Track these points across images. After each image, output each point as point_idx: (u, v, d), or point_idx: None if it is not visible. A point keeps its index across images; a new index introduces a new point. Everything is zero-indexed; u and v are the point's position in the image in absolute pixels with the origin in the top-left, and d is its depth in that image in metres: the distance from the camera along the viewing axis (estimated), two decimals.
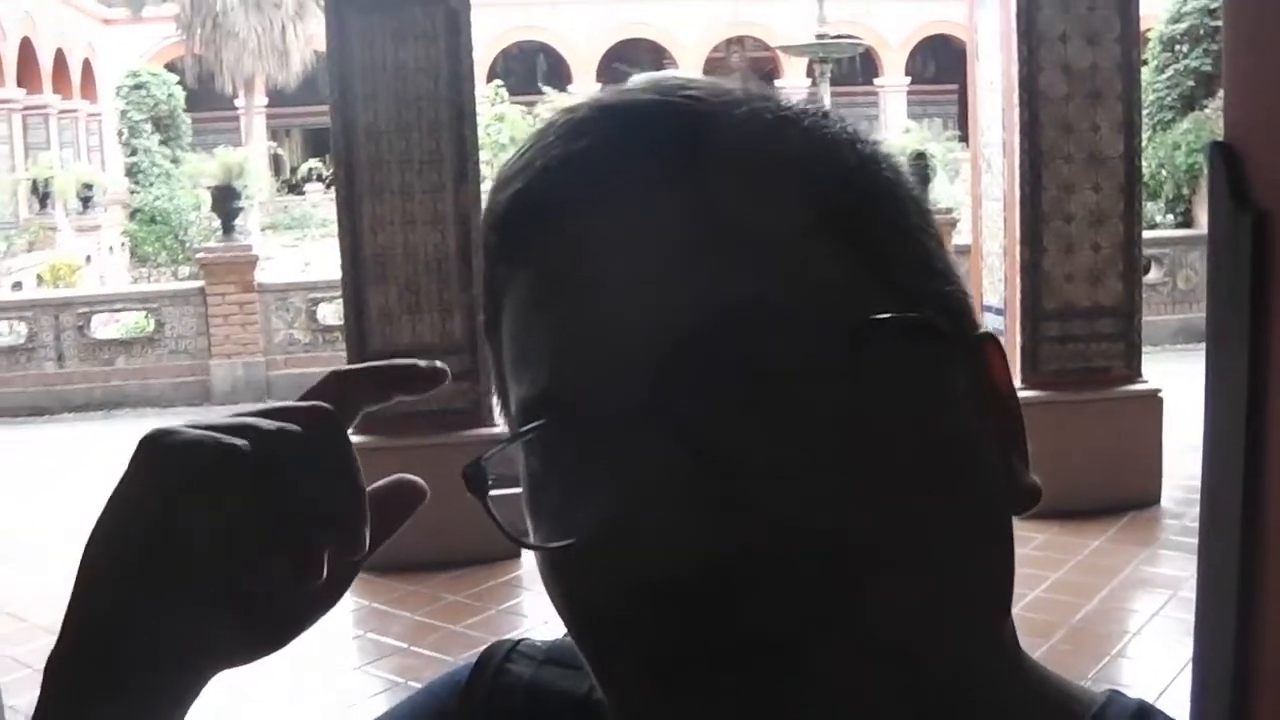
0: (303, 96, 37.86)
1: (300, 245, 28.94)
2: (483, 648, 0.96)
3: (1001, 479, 0.70)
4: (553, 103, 20.95)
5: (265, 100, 39.91)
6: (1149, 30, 20.05)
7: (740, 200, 0.67)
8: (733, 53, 45.41)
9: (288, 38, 35.72)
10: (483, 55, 37.42)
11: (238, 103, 38.78)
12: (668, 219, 0.66)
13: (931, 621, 0.65)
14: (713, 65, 43.64)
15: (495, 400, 0.78)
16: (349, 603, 7.60)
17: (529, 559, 7.98)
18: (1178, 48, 21.27)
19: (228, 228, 15.79)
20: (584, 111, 0.71)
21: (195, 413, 14.74)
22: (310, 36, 35.44)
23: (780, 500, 0.63)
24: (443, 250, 7.95)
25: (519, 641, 0.95)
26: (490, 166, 16.00)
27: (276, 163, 38.83)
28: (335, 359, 13.02)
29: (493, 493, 0.71)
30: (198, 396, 15.31)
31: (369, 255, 7.91)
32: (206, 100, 35.95)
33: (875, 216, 0.70)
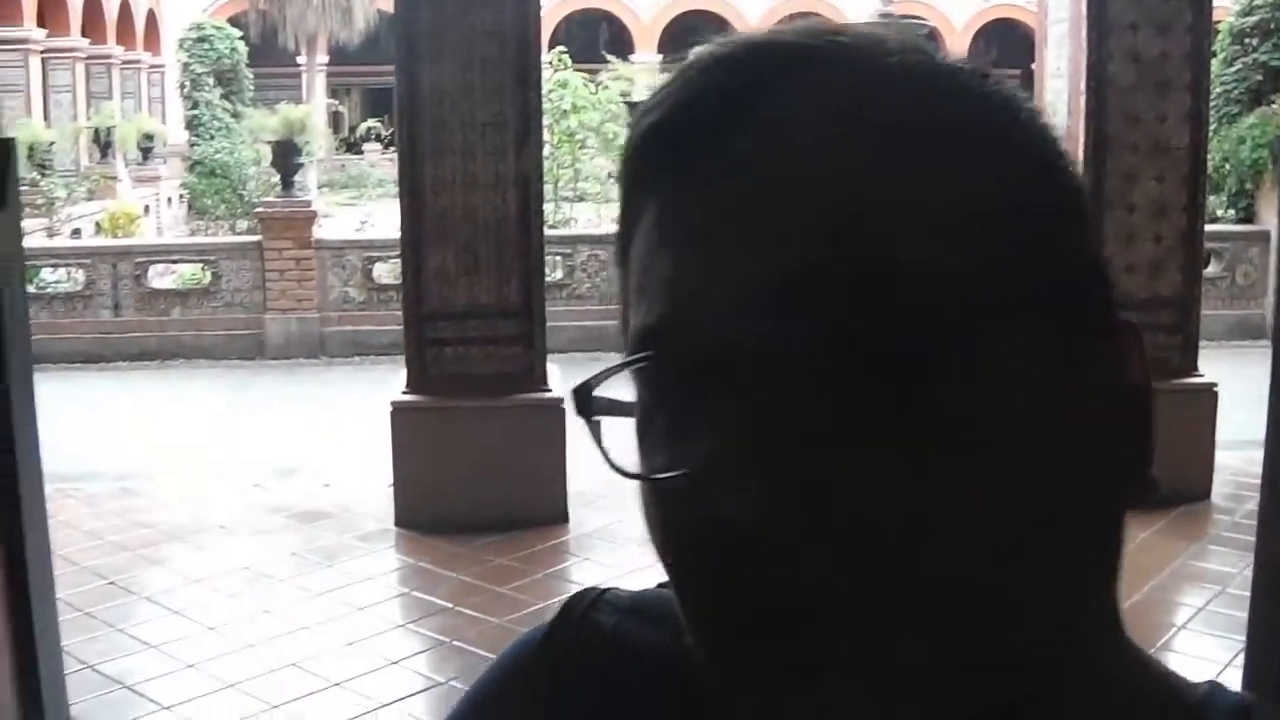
0: (364, 55, 37.96)
1: (357, 204, 29.00)
2: (566, 597, 0.95)
3: (1125, 468, 0.69)
4: (616, 70, 20.90)
5: (327, 58, 40.03)
6: (1219, 22, 19.86)
7: (886, 152, 0.65)
8: None
9: None
10: (546, 21, 37.39)
11: (299, 60, 38.88)
12: (802, 162, 0.64)
13: (1037, 580, 0.64)
14: None
15: (620, 327, 0.76)
16: (394, 560, 7.66)
17: (577, 524, 8.04)
18: (1247, 41, 21.09)
19: (287, 183, 15.87)
20: (729, 48, 0.70)
21: (249, 367, 14.86)
22: None
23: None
24: (503, 213, 7.95)
25: (605, 590, 0.94)
26: (550, 131, 16.02)
27: (335, 121, 38.97)
28: (390, 318, 13.09)
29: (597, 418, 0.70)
30: (252, 350, 15.42)
31: (429, 215, 7.93)
32: (269, 56, 36.06)
33: (1034, 193, 0.68)
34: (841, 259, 0.62)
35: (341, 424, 11.50)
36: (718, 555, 0.64)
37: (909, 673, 0.63)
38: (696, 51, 0.72)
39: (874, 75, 0.67)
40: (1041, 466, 0.64)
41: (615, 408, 0.70)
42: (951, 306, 0.62)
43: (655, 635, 0.87)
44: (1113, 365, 0.68)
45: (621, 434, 0.70)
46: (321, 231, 16.52)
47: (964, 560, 0.62)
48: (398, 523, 8.01)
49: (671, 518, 0.67)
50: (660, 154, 0.69)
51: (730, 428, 0.62)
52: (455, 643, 6.36)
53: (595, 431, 0.69)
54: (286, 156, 15.85)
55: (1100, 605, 0.71)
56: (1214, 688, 0.75)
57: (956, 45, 43.63)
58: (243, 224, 17.83)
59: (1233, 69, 20.93)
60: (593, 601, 0.93)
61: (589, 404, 0.70)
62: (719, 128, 0.67)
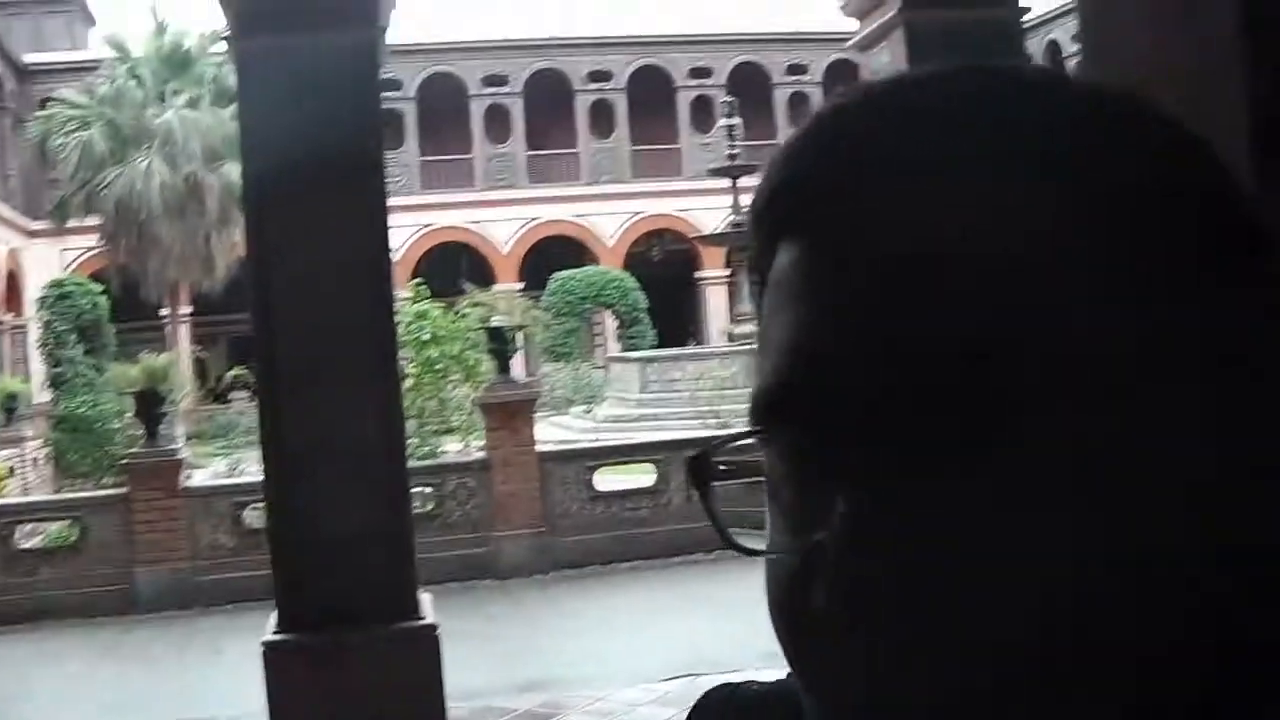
0: (228, 304, 37.97)
1: (226, 454, 28.76)
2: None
3: None
4: (476, 297, 21.08)
5: (190, 308, 40.00)
6: None
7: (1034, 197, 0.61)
8: (652, 246, 46.01)
9: (211, 245, 35.84)
10: (408, 256, 37.72)
11: (163, 311, 38.79)
12: (939, 213, 0.61)
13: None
14: (632, 259, 44.21)
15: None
16: None
17: None
18: None
19: (152, 433, 15.74)
20: (852, 97, 0.67)
21: (121, 623, 14.56)
22: (234, 243, 35.53)
23: None
24: (366, 444, 7.96)
25: (736, 686, 0.87)
26: (412, 362, 16.11)
27: (202, 368, 38.76)
28: (263, 562, 12.90)
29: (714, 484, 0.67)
30: (123, 605, 15.12)
31: (291, 450, 7.92)
32: (131, 309, 35.96)
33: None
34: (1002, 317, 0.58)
35: (219, 673, 11.29)
36: (823, 634, 0.60)
37: None
38: (824, 105, 0.69)
39: (1008, 119, 0.64)
40: None
41: (739, 472, 0.68)
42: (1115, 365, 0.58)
43: None
44: None
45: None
46: (190, 480, 16.39)
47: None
48: None
49: (791, 602, 0.63)
50: (787, 203, 0.67)
51: (839, 513, 0.59)
52: None
53: (708, 502, 0.67)
54: (150, 406, 15.76)
55: None
56: None
57: None
58: (109, 478, 17.64)
59: None
60: (724, 698, 0.87)
61: (707, 474, 0.67)
62: (836, 186, 0.64)
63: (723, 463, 0.68)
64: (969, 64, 0.67)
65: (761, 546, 0.64)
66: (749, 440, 0.65)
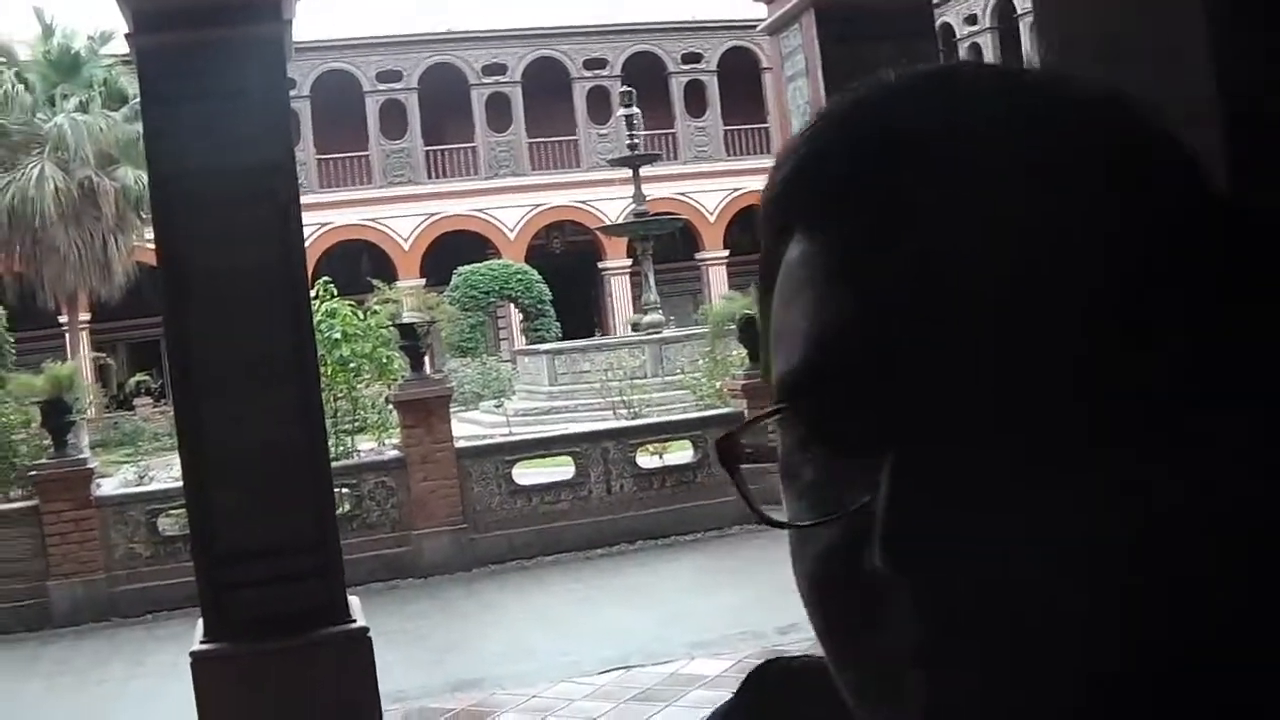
0: (128, 309, 37.53)
1: (133, 460, 28.43)
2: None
3: None
4: (384, 294, 20.94)
5: (89, 315, 39.50)
6: None
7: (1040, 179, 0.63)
8: (553, 238, 46.13)
9: (109, 250, 35.37)
10: (309, 255, 37.25)
11: (61, 319, 38.28)
12: (958, 191, 0.63)
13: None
14: (535, 251, 44.30)
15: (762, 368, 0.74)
16: None
17: None
18: None
19: (60, 443, 15.47)
20: (864, 92, 0.69)
21: (36, 638, 14.32)
22: (132, 248, 35.20)
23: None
24: (286, 447, 7.86)
25: (775, 661, 0.90)
26: (324, 362, 15.93)
27: (104, 374, 38.31)
28: (180, 569, 12.76)
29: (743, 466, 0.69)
30: (37, 620, 14.86)
31: (210, 457, 7.80)
32: (29, 317, 35.41)
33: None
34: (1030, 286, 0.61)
35: (141, 685, 11.13)
36: (851, 606, 0.63)
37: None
38: (840, 98, 0.71)
39: (1016, 104, 0.66)
40: None
41: (761, 455, 0.69)
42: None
43: (816, 711, 0.82)
44: None
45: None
46: (100, 489, 16.14)
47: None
48: None
49: (806, 566, 0.66)
50: (801, 194, 0.69)
51: (892, 479, 0.61)
52: None
53: (740, 481, 0.69)
54: (57, 416, 15.47)
55: None
56: None
57: (711, 235, 44.96)
58: (17, 491, 17.32)
59: None
60: (764, 677, 0.89)
61: (736, 455, 0.69)
62: (855, 175, 0.66)
63: (748, 446, 0.70)
64: (977, 62, 0.71)
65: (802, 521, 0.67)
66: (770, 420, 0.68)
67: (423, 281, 39.34)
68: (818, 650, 0.70)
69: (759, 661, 0.91)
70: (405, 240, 44.29)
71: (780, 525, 0.67)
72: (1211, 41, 1.80)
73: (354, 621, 7.94)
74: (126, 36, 8.14)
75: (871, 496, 0.61)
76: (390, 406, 17.73)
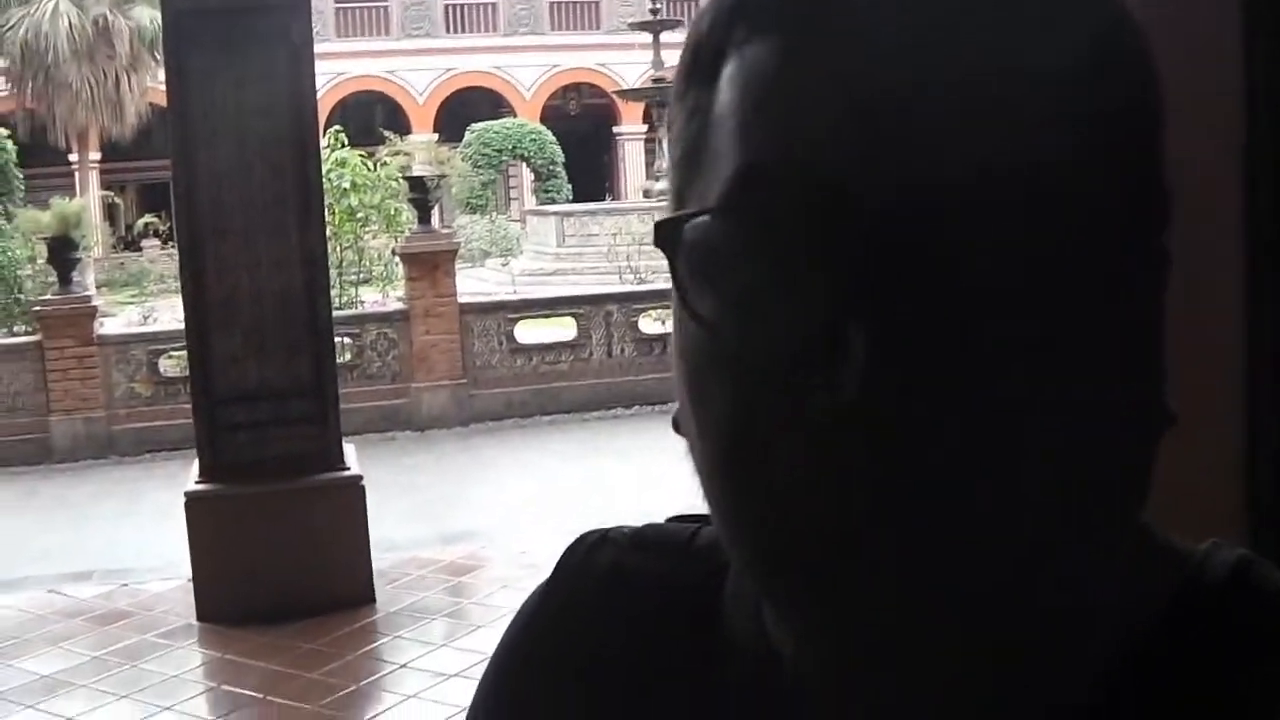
0: (138, 150, 37.34)
1: (139, 301, 28.47)
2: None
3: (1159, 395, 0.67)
4: (395, 146, 20.87)
5: (99, 155, 39.32)
6: None
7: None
8: (569, 99, 45.73)
9: (122, 89, 35.20)
10: (321, 105, 37.03)
11: (72, 158, 38.14)
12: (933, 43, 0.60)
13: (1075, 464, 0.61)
14: (550, 112, 43.92)
15: (668, 169, 0.73)
16: (199, 655, 7.49)
17: (384, 602, 7.92)
18: None
19: (65, 280, 15.46)
20: None
21: (37, 472, 14.43)
22: (145, 89, 34.99)
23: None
24: (289, 292, 7.87)
25: (608, 531, 0.90)
26: (332, 211, 15.91)
27: (112, 213, 38.23)
28: (180, 411, 12.83)
29: None
30: (38, 455, 14.95)
31: (213, 298, 7.81)
32: (40, 155, 35.22)
33: (1150, 99, 0.66)
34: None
35: (137, 523, 11.23)
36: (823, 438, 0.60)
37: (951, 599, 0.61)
38: None
39: None
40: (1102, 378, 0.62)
41: (699, 250, 0.65)
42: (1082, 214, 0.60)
43: (658, 565, 0.85)
44: (1157, 290, 0.66)
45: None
46: (103, 328, 16.17)
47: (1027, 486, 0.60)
48: (200, 617, 7.81)
49: (751, 397, 0.63)
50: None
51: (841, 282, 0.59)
52: None
53: (675, 266, 0.66)
54: (63, 253, 15.44)
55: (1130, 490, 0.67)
56: (1214, 544, 0.73)
57: None
58: (21, 326, 17.34)
59: None
60: (593, 544, 0.90)
61: (676, 237, 0.66)
62: None
63: (690, 234, 0.66)
64: None
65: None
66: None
67: (435, 136, 39.05)
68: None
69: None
70: (420, 94, 43.92)
71: (707, 325, 0.65)
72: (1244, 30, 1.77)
73: (348, 469, 8.00)
74: None
75: (855, 319, 0.58)
76: (396, 259, 17.69)
